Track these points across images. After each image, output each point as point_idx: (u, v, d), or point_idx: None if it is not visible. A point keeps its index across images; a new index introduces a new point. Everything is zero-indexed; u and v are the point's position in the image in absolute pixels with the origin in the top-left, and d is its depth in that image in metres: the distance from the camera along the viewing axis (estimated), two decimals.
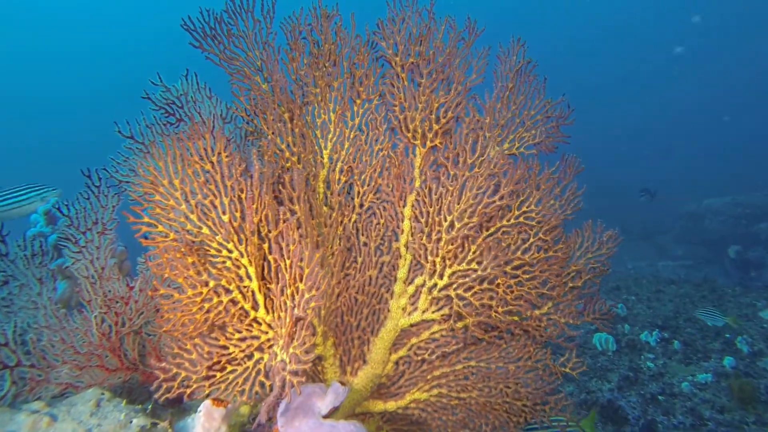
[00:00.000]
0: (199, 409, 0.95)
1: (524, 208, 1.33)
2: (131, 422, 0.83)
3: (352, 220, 1.42)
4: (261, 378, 1.15)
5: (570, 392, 3.43)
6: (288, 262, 1.13)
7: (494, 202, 1.30)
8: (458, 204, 1.31)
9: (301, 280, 1.10)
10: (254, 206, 1.20)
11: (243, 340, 1.15)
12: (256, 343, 1.15)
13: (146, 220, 1.08)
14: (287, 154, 1.39)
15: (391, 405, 1.38)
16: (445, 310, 1.34)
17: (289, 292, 1.12)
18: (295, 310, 1.09)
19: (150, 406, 0.91)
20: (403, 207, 1.39)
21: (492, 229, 1.33)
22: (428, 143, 1.38)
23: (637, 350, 4.07)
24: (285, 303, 1.13)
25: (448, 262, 1.32)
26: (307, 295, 1.08)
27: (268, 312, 1.16)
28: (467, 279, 1.29)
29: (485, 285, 1.29)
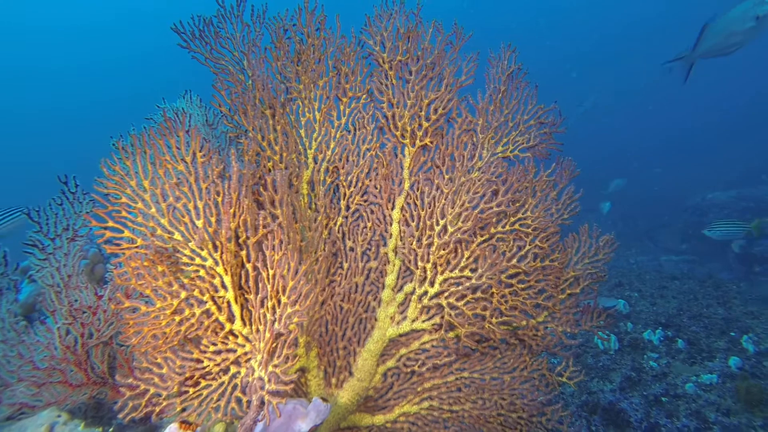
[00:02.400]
0: None
1: (520, 215, 1.25)
2: None
3: (338, 223, 1.34)
4: (237, 393, 1.08)
5: (570, 393, 3.36)
6: (270, 272, 1.05)
7: (491, 207, 1.22)
8: (452, 208, 1.23)
9: (283, 293, 1.03)
10: (232, 210, 1.13)
11: (218, 353, 1.08)
12: (232, 356, 1.08)
13: (111, 224, 1.00)
14: (269, 152, 1.31)
15: (379, 419, 1.31)
16: (436, 320, 1.27)
17: (269, 304, 1.05)
18: (276, 324, 1.01)
19: (111, 429, 0.84)
20: (392, 210, 1.31)
21: (486, 236, 1.24)
22: (418, 142, 1.30)
23: (640, 349, 4.00)
24: (264, 316, 1.05)
25: (439, 269, 1.24)
26: (289, 310, 1.00)
27: (245, 324, 1.09)
28: (460, 287, 1.21)
29: (479, 294, 1.21)
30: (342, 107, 1.36)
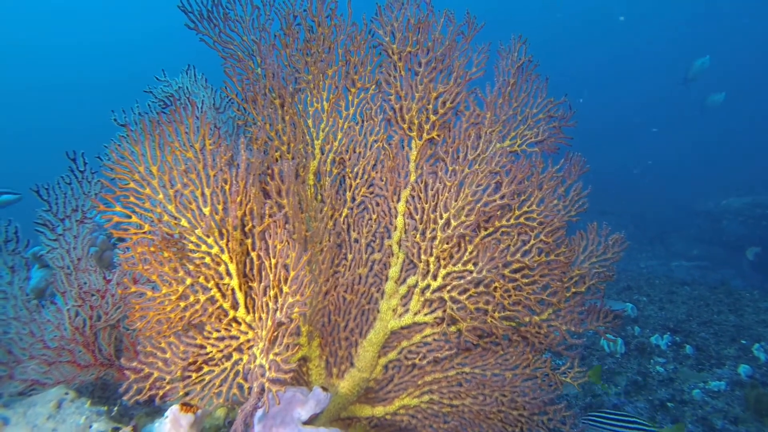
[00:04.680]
0: (165, 414, 0.90)
1: (525, 208, 1.24)
2: (90, 427, 0.77)
3: (344, 214, 1.35)
4: (239, 380, 1.09)
5: (574, 395, 3.33)
6: (273, 261, 1.06)
7: (494, 200, 1.21)
8: (455, 201, 1.22)
9: (285, 283, 1.04)
10: (239, 199, 1.14)
11: (221, 339, 1.09)
12: (235, 343, 1.09)
13: (119, 209, 1.02)
14: (277, 142, 1.32)
15: (379, 410, 1.32)
16: (438, 313, 1.26)
17: (272, 293, 1.05)
18: (278, 313, 1.02)
19: (116, 408, 0.85)
20: (397, 202, 1.31)
21: (490, 229, 1.24)
22: (425, 135, 1.30)
23: (647, 353, 3.95)
24: (267, 304, 1.06)
25: (442, 263, 1.24)
26: (291, 300, 1.01)
27: (248, 311, 1.10)
28: (462, 281, 1.21)
29: (481, 288, 1.21)
30: (350, 98, 1.36)
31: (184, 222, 1.08)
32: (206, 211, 1.09)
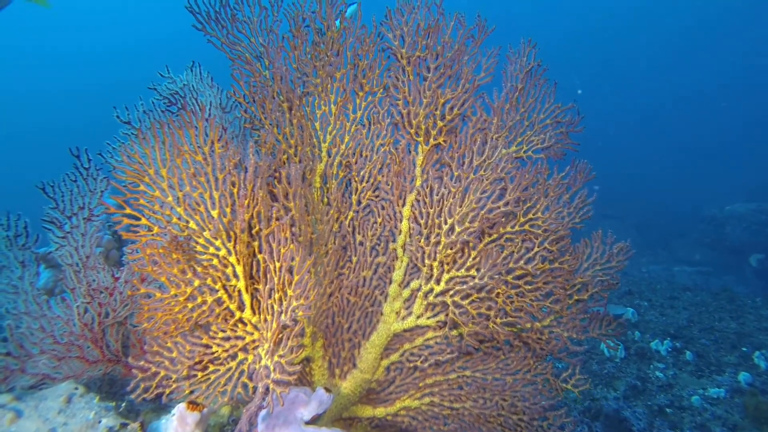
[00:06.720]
0: (172, 412, 0.91)
1: (530, 215, 1.25)
2: (100, 422, 0.79)
3: (349, 217, 1.36)
4: (244, 379, 1.11)
5: (573, 399, 3.35)
6: (277, 264, 1.07)
7: (499, 207, 1.22)
8: (460, 207, 1.24)
9: (289, 286, 1.05)
10: (246, 202, 1.15)
11: (227, 339, 1.10)
12: (240, 343, 1.11)
13: (129, 211, 1.03)
14: (284, 145, 1.33)
15: (380, 411, 1.33)
16: (441, 317, 1.28)
17: (276, 296, 1.07)
18: (283, 316, 1.04)
19: (124, 404, 0.87)
20: (402, 206, 1.32)
21: (494, 236, 1.25)
22: (431, 141, 1.31)
23: (647, 359, 3.95)
24: (272, 306, 1.08)
25: (446, 267, 1.25)
26: (294, 303, 1.02)
27: (254, 313, 1.12)
28: (465, 286, 1.22)
29: (483, 294, 1.22)
30: (358, 101, 1.37)
31: (192, 224, 1.09)
32: (214, 213, 1.11)
